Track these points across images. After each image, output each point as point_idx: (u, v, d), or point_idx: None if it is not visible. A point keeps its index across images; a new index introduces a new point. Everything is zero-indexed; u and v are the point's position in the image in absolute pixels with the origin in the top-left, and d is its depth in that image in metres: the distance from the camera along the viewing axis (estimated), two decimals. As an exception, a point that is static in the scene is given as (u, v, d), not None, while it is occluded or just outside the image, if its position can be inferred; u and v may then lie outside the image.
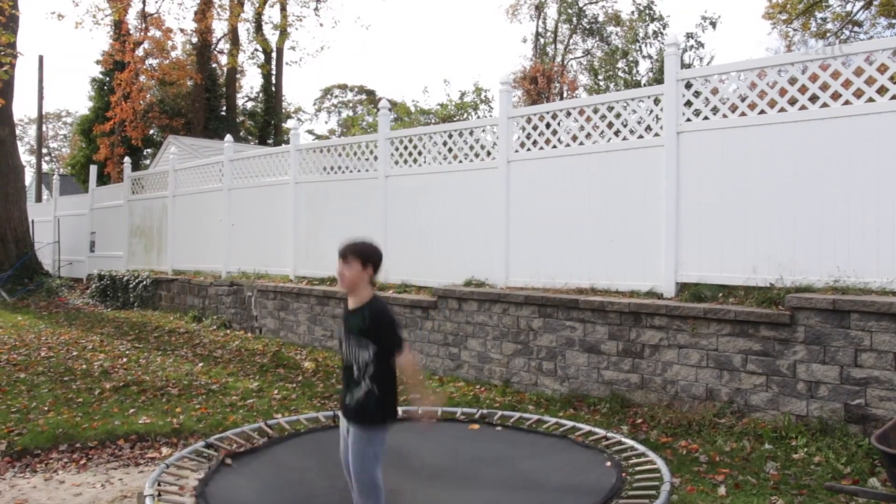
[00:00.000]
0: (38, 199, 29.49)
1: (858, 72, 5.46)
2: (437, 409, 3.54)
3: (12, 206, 17.02)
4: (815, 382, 5.17)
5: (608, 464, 3.98)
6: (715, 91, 6.34)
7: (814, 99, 5.73)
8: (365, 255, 3.34)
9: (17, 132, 18.81)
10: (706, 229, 6.25)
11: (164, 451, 5.41)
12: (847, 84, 5.53)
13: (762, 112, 5.96)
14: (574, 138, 7.35)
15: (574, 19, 34.58)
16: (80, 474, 4.99)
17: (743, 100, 6.17)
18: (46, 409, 6.26)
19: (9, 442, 5.37)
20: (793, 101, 5.81)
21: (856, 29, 23.24)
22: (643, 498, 3.37)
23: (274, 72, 31.64)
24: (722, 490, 4.21)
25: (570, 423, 4.80)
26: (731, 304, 5.78)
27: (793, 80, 5.85)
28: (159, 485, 3.58)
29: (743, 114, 6.09)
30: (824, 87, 5.69)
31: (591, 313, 6.47)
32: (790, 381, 5.29)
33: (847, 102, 5.52)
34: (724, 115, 6.22)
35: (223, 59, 29.85)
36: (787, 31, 25.30)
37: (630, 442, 4.29)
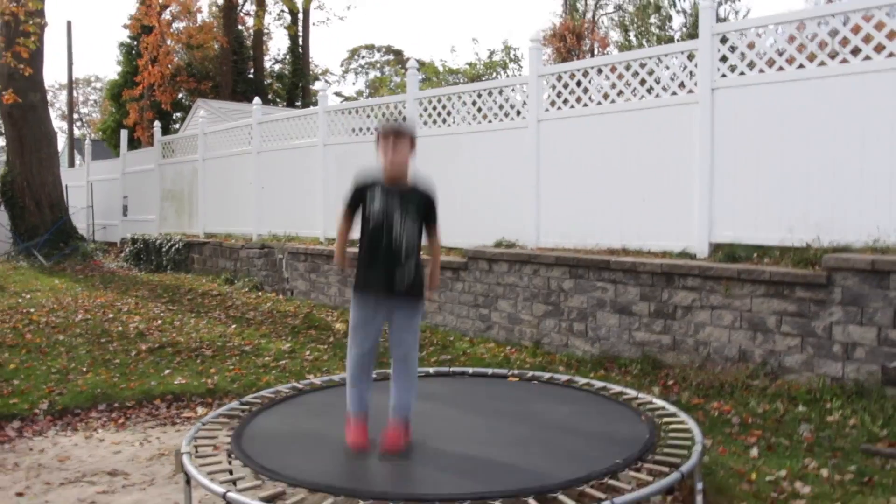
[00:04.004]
0: (71, 164, 29.90)
1: (904, 22, 5.25)
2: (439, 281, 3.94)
3: (46, 172, 17.24)
4: (851, 344, 5.08)
5: (642, 418, 4.00)
6: (751, 45, 6.14)
7: (856, 52, 5.52)
8: (413, 135, 3.51)
9: (48, 98, 18.99)
10: (741, 188, 6.11)
11: (200, 410, 5.52)
12: (892, 35, 5.31)
13: (801, 66, 5.77)
14: (605, 96, 7.21)
15: (605, -26, 33.69)
16: (119, 433, 5.11)
17: (780, 54, 5.96)
18: (85, 369, 6.40)
19: (50, 401, 5.51)
20: (833, 55, 5.60)
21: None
22: (675, 457, 3.35)
23: (301, 33, 31.41)
24: (754, 451, 4.18)
25: (600, 384, 4.80)
26: (765, 265, 5.68)
27: (834, 33, 5.64)
28: (195, 442, 3.65)
29: (781, 69, 5.90)
30: (867, 38, 5.47)
31: (623, 274, 6.41)
32: (825, 343, 5.21)
33: (892, 54, 5.31)
34: (761, 71, 6.03)
35: (249, 22, 29.71)
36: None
37: (661, 402, 4.27)
